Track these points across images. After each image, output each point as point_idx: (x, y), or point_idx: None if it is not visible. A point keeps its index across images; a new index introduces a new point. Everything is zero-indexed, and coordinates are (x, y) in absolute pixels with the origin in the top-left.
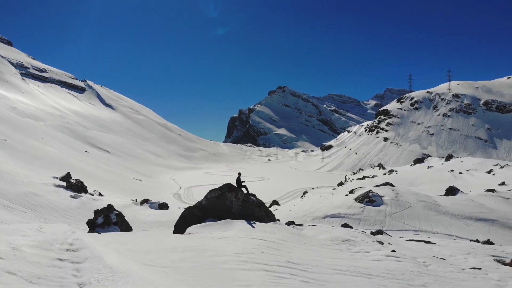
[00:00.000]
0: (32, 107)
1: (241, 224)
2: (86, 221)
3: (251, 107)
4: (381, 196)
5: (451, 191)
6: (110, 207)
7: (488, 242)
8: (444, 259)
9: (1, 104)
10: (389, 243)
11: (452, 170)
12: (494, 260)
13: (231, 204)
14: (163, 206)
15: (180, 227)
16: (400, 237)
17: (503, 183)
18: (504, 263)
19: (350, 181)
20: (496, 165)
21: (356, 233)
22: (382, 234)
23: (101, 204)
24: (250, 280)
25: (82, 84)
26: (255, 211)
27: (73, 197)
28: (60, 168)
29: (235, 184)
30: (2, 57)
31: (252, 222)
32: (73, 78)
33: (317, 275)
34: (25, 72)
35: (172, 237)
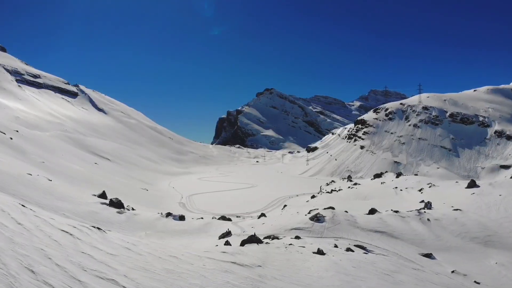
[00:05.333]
0: (31, 115)
1: (257, 244)
2: (219, 236)
3: (239, 108)
4: (324, 216)
5: (372, 211)
6: (229, 231)
7: (426, 255)
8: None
9: (5, 115)
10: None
11: (396, 187)
12: (312, 252)
13: (253, 240)
14: (182, 218)
15: (242, 244)
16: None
17: (422, 201)
18: (320, 253)
19: (322, 193)
20: (428, 184)
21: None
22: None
23: (141, 218)
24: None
25: (74, 89)
26: (259, 241)
27: (119, 213)
28: (90, 185)
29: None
30: None
31: (259, 243)
32: (66, 83)
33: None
34: (20, 78)
35: (247, 245)
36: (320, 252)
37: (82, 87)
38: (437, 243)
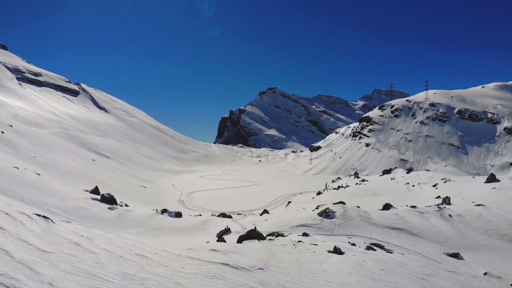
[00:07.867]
0: (31, 113)
1: (258, 241)
2: (217, 234)
3: (242, 108)
4: (334, 212)
5: (387, 207)
6: (228, 228)
7: (453, 255)
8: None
9: (4, 112)
10: (289, 240)
11: (408, 183)
12: (327, 251)
13: (254, 235)
14: (178, 214)
15: (240, 241)
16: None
17: (438, 197)
18: (337, 253)
19: (328, 190)
20: (442, 179)
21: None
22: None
23: (133, 214)
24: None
25: (76, 87)
26: (260, 237)
27: (110, 209)
28: (84, 181)
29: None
30: None
31: (260, 240)
32: (67, 82)
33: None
34: (21, 76)
35: (246, 242)
36: (337, 251)
37: (83, 85)
38: (463, 241)
